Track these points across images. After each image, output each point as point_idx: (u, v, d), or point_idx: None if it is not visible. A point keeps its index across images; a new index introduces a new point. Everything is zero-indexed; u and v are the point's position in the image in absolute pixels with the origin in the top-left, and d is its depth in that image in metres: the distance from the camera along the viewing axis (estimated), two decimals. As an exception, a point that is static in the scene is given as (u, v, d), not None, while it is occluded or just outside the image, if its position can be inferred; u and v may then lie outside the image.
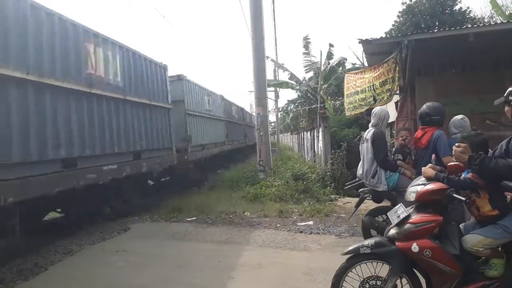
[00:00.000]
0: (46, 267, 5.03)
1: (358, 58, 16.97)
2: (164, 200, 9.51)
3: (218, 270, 4.72)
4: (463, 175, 2.87)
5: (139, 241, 6.18)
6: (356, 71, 9.91)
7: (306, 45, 17.55)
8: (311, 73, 17.93)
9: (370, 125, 5.20)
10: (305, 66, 17.72)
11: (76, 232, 6.70)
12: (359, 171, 5.17)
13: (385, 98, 7.51)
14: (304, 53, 17.58)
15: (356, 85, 8.41)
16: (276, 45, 34.71)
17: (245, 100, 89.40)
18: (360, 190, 5.19)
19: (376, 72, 7.67)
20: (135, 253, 5.55)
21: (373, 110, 5.22)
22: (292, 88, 18.03)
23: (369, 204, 6.07)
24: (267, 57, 15.34)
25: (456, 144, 2.84)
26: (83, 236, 6.47)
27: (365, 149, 4.99)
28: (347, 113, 9.24)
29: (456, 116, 4.54)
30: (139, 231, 6.89)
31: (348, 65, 16.65)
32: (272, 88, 30.98)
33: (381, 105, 7.10)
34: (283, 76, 19.15)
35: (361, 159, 5.15)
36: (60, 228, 7.05)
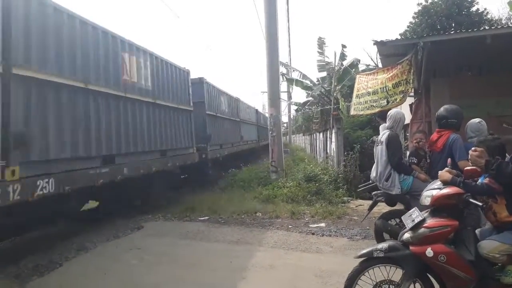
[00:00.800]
0: (61, 263, 5.12)
1: (372, 60, 16.81)
2: (177, 198, 9.58)
3: (229, 270, 4.74)
4: (479, 180, 2.84)
5: (152, 239, 6.24)
6: (369, 72, 9.82)
7: (321, 45, 17.42)
8: (324, 73, 17.82)
9: (381, 127, 5.17)
10: (318, 66, 17.61)
11: (90, 230, 6.80)
12: (373, 173, 5.14)
13: (398, 99, 7.44)
14: (318, 52, 17.44)
15: (367, 86, 8.32)
16: (289, 46, 34.54)
17: (258, 100, 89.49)
18: (373, 193, 5.16)
19: (390, 74, 7.60)
20: (148, 251, 5.60)
21: (389, 113, 5.17)
22: (306, 88, 17.95)
23: (382, 207, 6.01)
24: (280, 62, 15.24)
25: (473, 148, 2.81)
26: (97, 234, 6.56)
27: (380, 151, 4.96)
28: (353, 113, 9.11)
29: (473, 120, 4.48)
30: (152, 229, 6.96)
31: (362, 67, 16.51)
32: (285, 89, 30.90)
33: (393, 107, 7.03)
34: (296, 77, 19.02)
35: (375, 161, 5.11)
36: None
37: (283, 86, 26.62)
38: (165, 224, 7.42)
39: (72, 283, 4.13)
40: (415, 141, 5.29)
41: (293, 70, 18.07)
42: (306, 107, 23.81)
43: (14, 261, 5.09)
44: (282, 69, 19.02)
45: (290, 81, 18.67)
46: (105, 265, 5.06)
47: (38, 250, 5.58)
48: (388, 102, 7.59)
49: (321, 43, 17.44)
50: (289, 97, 33.79)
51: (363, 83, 8.59)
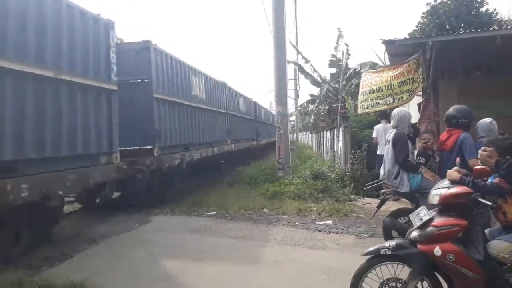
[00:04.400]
0: (71, 255, 5.20)
1: (380, 59, 16.63)
2: (184, 193, 9.66)
3: (236, 265, 4.78)
4: (489, 180, 2.84)
5: (160, 234, 6.30)
6: (374, 70, 9.78)
7: (338, 38, 16.85)
8: (334, 70, 17.56)
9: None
10: (330, 62, 17.24)
11: (98, 223, 6.88)
12: (382, 172, 5.15)
13: (404, 98, 7.39)
14: (335, 45, 16.91)
15: (371, 83, 8.23)
16: (297, 44, 34.22)
17: (265, 98, 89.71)
18: (382, 191, 5.18)
19: (395, 72, 7.55)
20: (156, 245, 5.67)
21: (392, 112, 5.19)
22: (315, 84, 17.74)
23: (390, 206, 6.04)
24: (292, 44, 15.26)
25: (482, 147, 2.82)
26: (105, 227, 6.64)
27: (387, 150, 4.98)
28: (360, 111, 9.09)
29: (484, 119, 4.46)
30: (160, 223, 7.03)
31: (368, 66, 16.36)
32: (292, 87, 30.76)
33: (399, 105, 7.02)
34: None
35: (384, 160, 5.13)
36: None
37: (290, 84, 26.46)
38: (173, 218, 7.49)
39: (81, 275, 4.18)
40: (422, 141, 5.29)
41: (305, 62, 17.67)
42: (313, 104, 23.61)
43: (26, 251, 5.17)
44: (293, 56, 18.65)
45: (301, 69, 18.18)
46: (113, 258, 5.13)
47: (50, 241, 5.67)
48: (394, 100, 7.56)
49: (338, 35, 16.91)
50: (297, 95, 33.71)
51: (367, 81, 8.53)
